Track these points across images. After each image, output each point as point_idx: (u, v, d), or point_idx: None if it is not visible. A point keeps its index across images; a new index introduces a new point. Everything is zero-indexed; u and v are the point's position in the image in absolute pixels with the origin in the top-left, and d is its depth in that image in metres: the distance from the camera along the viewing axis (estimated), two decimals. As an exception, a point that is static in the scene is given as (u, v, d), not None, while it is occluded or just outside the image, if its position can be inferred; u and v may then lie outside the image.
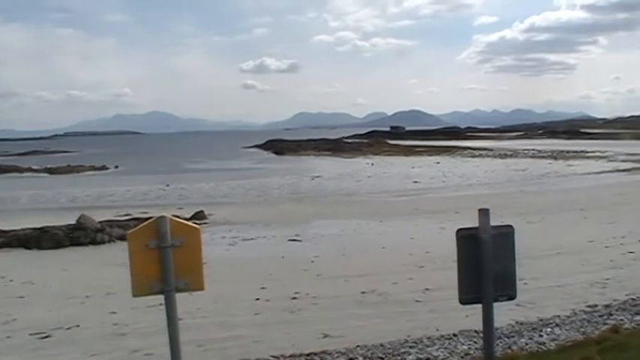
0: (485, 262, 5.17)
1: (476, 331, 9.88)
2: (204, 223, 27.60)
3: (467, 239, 5.26)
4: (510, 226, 5.39)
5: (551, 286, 14.41)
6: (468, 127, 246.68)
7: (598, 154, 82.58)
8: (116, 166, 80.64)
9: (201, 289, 5.18)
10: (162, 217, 5.06)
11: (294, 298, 14.03)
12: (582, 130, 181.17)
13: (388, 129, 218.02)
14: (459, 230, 5.31)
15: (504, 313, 10.94)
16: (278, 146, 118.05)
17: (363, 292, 14.32)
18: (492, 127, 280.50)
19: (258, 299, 13.94)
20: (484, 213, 5.23)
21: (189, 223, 5.44)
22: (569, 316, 11.80)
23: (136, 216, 29.23)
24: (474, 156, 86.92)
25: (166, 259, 4.96)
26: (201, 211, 30.35)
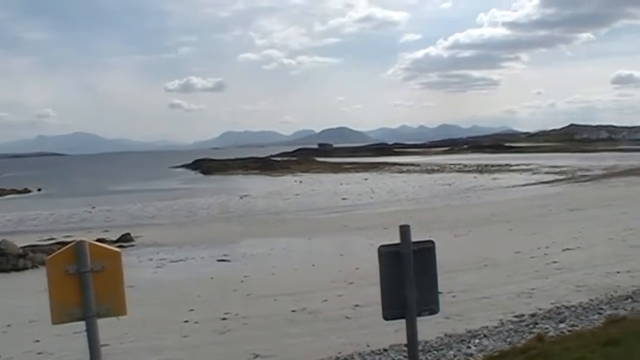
0: (407, 277, 5.20)
1: (405, 345, 9.95)
2: (131, 246, 27.14)
3: (389, 255, 5.28)
4: (431, 242, 5.44)
5: (479, 297, 14.63)
6: (396, 143, 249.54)
7: (522, 167, 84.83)
8: (39, 189, 78.43)
9: (124, 314, 5.07)
10: (82, 241, 4.94)
11: (223, 318, 13.87)
12: (507, 144, 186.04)
13: (316, 146, 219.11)
14: (380, 247, 5.33)
15: (433, 326, 11.06)
16: (206, 166, 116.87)
17: (293, 311, 14.26)
18: (419, 142, 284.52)
19: (187, 321, 13.71)
20: (405, 229, 5.27)
21: (110, 247, 5.33)
22: (496, 327, 11.99)
23: (60, 240, 28.39)
24: (401, 172, 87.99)
25: (86, 285, 4.83)
26: (128, 234, 29.78)
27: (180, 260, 23.61)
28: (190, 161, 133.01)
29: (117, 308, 5.01)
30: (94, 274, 4.85)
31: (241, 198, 55.01)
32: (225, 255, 23.82)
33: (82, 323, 5.00)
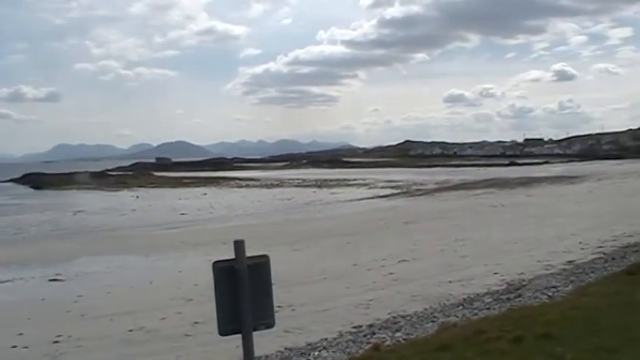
0: (241, 292, 5.19)
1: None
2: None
3: (223, 271, 5.27)
4: (266, 256, 5.46)
5: (318, 310, 14.83)
6: (235, 158, 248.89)
7: (360, 181, 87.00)
8: None
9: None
10: None
11: (56, 341, 13.23)
12: (344, 159, 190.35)
13: (154, 160, 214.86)
14: (215, 262, 5.31)
15: (273, 340, 11.07)
16: (36, 180, 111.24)
17: (130, 330, 13.86)
18: (259, 157, 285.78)
19: (15, 347, 12.97)
20: (239, 244, 5.27)
21: None
22: (335, 338, 12.19)
23: None
24: (240, 186, 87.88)
25: None
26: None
27: (8, 281, 22.19)
28: (19, 175, 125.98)
29: None
30: None
31: (75, 214, 52.80)
32: (57, 274, 22.67)
33: None
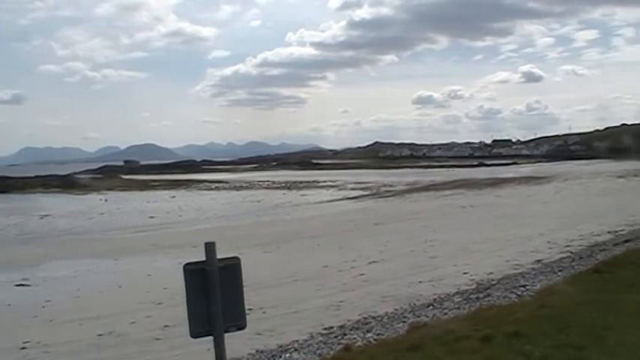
0: (212, 294, 5.18)
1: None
2: None
3: (194, 273, 5.26)
4: (237, 258, 5.46)
5: (289, 312, 14.83)
6: (204, 160, 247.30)
7: (329, 183, 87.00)
8: None
9: None
10: None
11: (23, 348, 13.08)
12: (314, 161, 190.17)
13: (122, 163, 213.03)
14: (186, 265, 5.29)
15: (245, 343, 11.06)
16: (1, 184, 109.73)
17: (99, 335, 13.74)
18: (228, 159, 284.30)
19: (-20, 353, 12.78)
20: (210, 246, 5.26)
21: None
22: (306, 340, 12.21)
23: None
24: (210, 189, 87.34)
25: None
26: None
27: (-28, 287, 21.88)
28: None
29: None
30: None
31: (42, 218, 52.04)
32: (24, 279, 22.35)
33: None
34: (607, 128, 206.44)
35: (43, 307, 17.60)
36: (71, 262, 26.19)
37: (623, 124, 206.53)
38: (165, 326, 13.89)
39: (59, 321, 15.68)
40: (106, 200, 71.69)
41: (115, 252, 28.59)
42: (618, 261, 15.55)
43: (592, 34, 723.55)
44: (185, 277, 5.29)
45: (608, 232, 25.01)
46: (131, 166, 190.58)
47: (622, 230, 25.40)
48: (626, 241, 22.18)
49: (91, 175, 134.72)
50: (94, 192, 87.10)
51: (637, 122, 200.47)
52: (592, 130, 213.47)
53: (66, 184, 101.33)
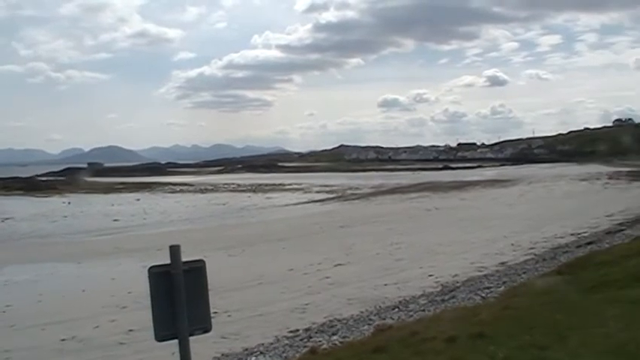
0: (177, 297, 5.15)
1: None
2: None
3: (159, 276, 5.24)
4: (202, 261, 5.45)
5: (255, 315, 14.81)
6: (169, 163, 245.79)
7: (295, 186, 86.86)
8: None
9: None
10: None
11: (-17, 353, 12.85)
12: (280, 164, 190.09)
13: (85, 166, 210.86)
14: (150, 268, 5.26)
15: (210, 346, 11.01)
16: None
17: (62, 340, 13.59)
18: (193, 162, 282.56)
19: (-63, 361, 12.53)
20: (175, 249, 5.24)
21: None
22: (272, 343, 12.21)
23: None
24: (174, 192, 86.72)
25: None
26: None
27: None
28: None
29: None
30: None
31: (2, 221, 51.22)
32: (-17, 284, 22.03)
33: None
34: (570, 132, 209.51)
35: (4, 312, 17.31)
36: (33, 266, 25.82)
37: (586, 128, 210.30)
38: (130, 330, 13.77)
39: (21, 326, 15.46)
40: (69, 203, 70.77)
41: (79, 255, 28.24)
42: (581, 263, 15.75)
43: (555, 39, 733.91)
44: (150, 280, 5.24)
45: (571, 235, 25.36)
46: (95, 169, 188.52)
47: (585, 233, 25.78)
48: (589, 243, 22.54)
49: (54, 178, 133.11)
50: (57, 195, 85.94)
51: (600, 126, 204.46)
52: (555, 133, 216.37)
53: (28, 186, 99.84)
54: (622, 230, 25.42)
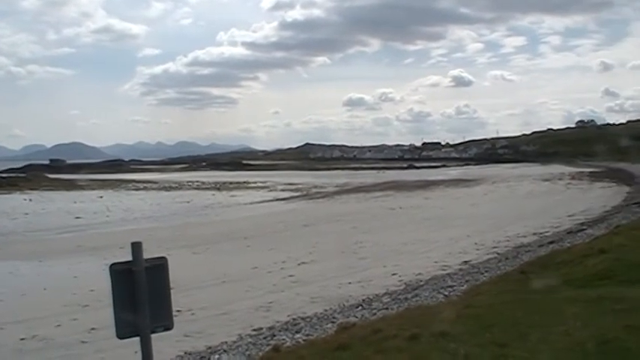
0: (138, 295, 5.12)
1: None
2: None
3: (120, 273, 5.19)
4: (164, 258, 5.41)
5: (218, 314, 14.79)
6: (132, 160, 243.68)
7: (259, 184, 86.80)
8: None
9: None
10: None
11: (-60, 353, 12.63)
12: (244, 162, 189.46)
13: (47, 162, 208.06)
14: (112, 265, 5.22)
15: (173, 345, 10.96)
16: None
17: (22, 339, 13.42)
18: (157, 159, 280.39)
19: None
20: (137, 246, 5.20)
21: None
22: (235, 342, 12.21)
23: None
24: (138, 189, 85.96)
25: None
26: None
27: None
28: None
29: None
30: None
31: (-40, 219, 50.37)
32: (-60, 283, 21.57)
33: None
34: (533, 132, 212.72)
35: (-38, 311, 17.03)
36: (-8, 264, 25.41)
37: (549, 129, 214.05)
38: (92, 329, 13.65)
39: (-21, 326, 15.22)
40: (30, 200, 69.68)
41: (40, 253, 27.84)
42: (542, 262, 15.98)
43: (520, 40, 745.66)
44: (111, 278, 5.20)
45: (534, 234, 25.72)
46: (57, 165, 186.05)
47: (547, 232, 26.16)
48: (551, 242, 22.87)
49: (15, 174, 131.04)
50: (17, 191, 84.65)
51: (563, 127, 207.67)
52: (519, 134, 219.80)
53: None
54: (583, 230, 25.79)
